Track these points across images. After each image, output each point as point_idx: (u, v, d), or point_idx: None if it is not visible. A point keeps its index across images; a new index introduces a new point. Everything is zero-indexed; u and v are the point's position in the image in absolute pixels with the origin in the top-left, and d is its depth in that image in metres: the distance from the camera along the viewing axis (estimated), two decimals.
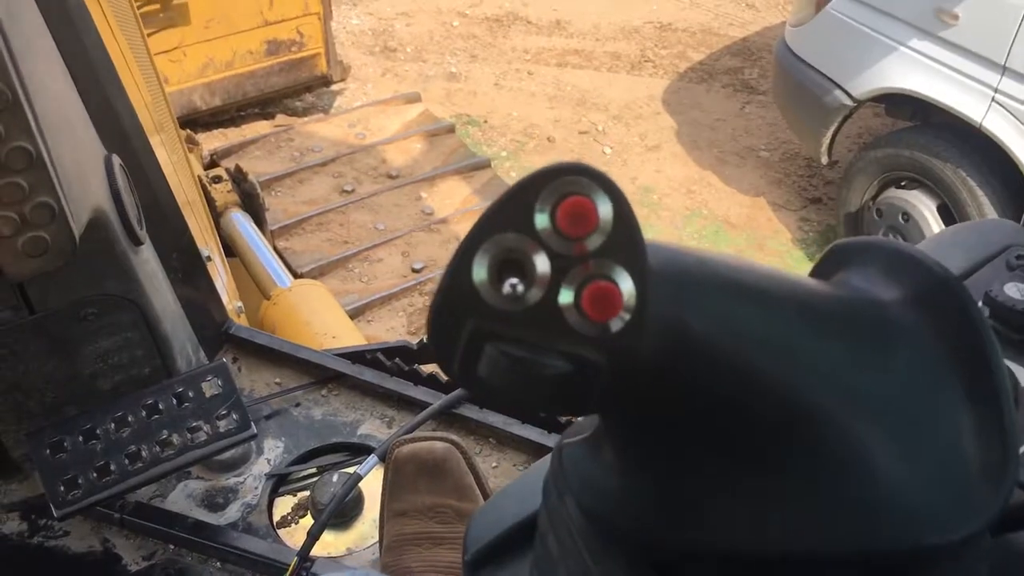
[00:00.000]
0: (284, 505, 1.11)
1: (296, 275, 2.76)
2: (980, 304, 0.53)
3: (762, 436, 0.36)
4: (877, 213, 3.46)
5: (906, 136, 3.38)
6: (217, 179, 2.68)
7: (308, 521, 1.07)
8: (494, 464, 1.13)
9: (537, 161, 4.15)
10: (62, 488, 0.92)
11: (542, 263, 0.32)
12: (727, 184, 4.14)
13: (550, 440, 1.12)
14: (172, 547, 1.03)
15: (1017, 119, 2.94)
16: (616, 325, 0.32)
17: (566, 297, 0.32)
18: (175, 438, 0.97)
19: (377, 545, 0.98)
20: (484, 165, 3.69)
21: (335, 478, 1.05)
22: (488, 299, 0.32)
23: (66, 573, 1.02)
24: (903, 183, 3.38)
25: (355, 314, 2.88)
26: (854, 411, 0.36)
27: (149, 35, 2.52)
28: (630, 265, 0.32)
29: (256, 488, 1.10)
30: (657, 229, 3.86)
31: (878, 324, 0.39)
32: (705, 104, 4.68)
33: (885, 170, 3.42)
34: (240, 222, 2.60)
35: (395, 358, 1.22)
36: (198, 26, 3.58)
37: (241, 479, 1.11)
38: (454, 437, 0.97)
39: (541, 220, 0.32)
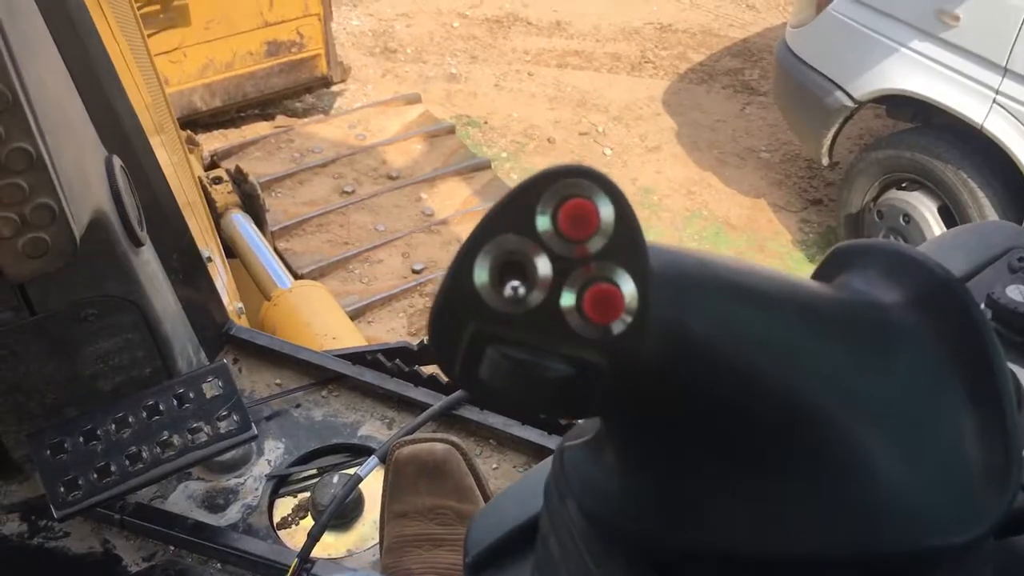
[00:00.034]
0: (284, 506, 1.10)
1: (296, 276, 2.76)
2: (982, 307, 0.53)
3: (763, 438, 0.36)
4: (878, 215, 3.45)
5: (907, 137, 3.38)
6: (217, 180, 2.68)
7: (308, 522, 1.07)
8: (494, 465, 1.13)
9: (537, 162, 4.15)
10: (62, 489, 0.92)
11: (543, 265, 0.32)
12: (727, 185, 4.14)
13: (550, 441, 1.12)
14: (172, 548, 1.03)
15: (1018, 120, 2.94)
16: (618, 328, 0.32)
17: (568, 299, 0.32)
18: (176, 439, 0.97)
19: (377, 546, 0.98)
20: (484, 166, 3.69)
21: (335, 479, 1.05)
22: (489, 301, 0.32)
23: (66, 574, 1.02)
24: (904, 184, 3.38)
25: (355, 315, 2.88)
26: (855, 413, 0.36)
27: (149, 36, 2.52)
28: (632, 267, 0.32)
29: (256, 489, 1.10)
30: (657, 230, 3.86)
31: (879, 326, 0.39)
32: (705, 105, 4.68)
33: (886, 171, 3.42)
34: (240, 223, 2.60)
35: (395, 359, 1.22)
36: (198, 27, 3.58)
37: (241, 480, 1.11)
38: (454, 438, 0.97)
39: (542, 222, 0.32)
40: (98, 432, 0.95)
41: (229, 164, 3.11)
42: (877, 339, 0.38)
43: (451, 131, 3.89)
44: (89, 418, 0.96)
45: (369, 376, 1.21)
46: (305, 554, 0.95)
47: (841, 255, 0.43)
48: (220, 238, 2.46)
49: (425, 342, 1.28)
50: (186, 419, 0.98)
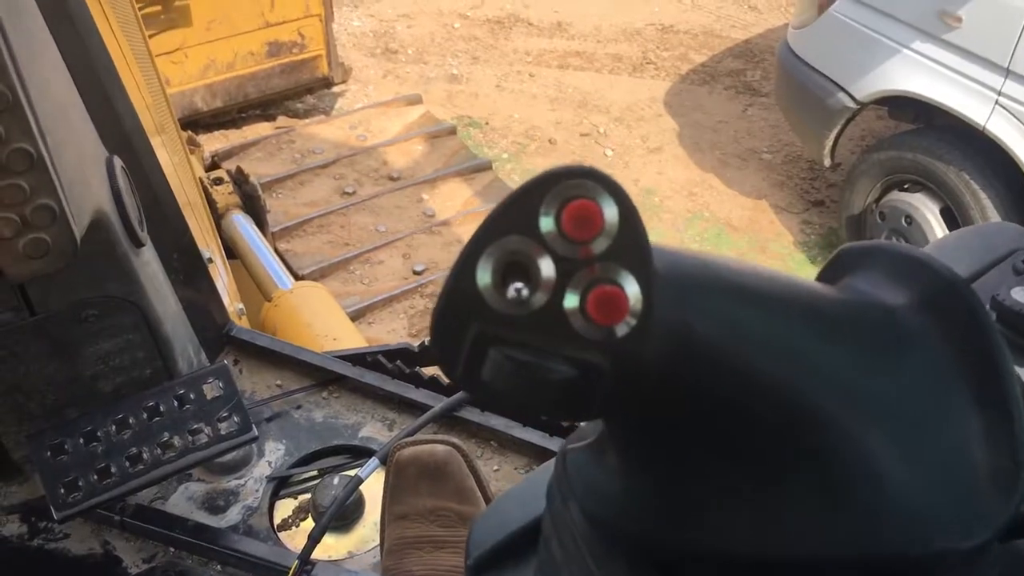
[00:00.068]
0: (285, 508, 1.10)
1: (297, 277, 2.76)
2: (987, 308, 0.53)
3: (765, 439, 0.36)
4: (880, 216, 3.45)
5: (909, 139, 3.38)
6: (218, 181, 2.68)
7: (309, 524, 1.07)
8: (495, 467, 1.13)
9: (539, 163, 4.16)
10: (62, 490, 0.92)
11: (547, 267, 0.31)
12: (729, 186, 4.14)
13: (552, 443, 1.12)
14: (172, 550, 1.03)
15: (1020, 122, 2.93)
16: (622, 330, 0.31)
17: (571, 301, 0.31)
18: (176, 440, 0.97)
19: (378, 548, 0.98)
20: (485, 167, 3.69)
21: (336, 481, 1.05)
22: (492, 303, 0.32)
23: None
24: (906, 186, 3.37)
25: (356, 316, 2.88)
26: (858, 414, 0.36)
27: (150, 36, 2.52)
28: (636, 269, 0.31)
29: (257, 491, 1.10)
30: (659, 232, 3.85)
31: (884, 327, 0.38)
32: (707, 106, 4.68)
33: (888, 173, 3.41)
34: (241, 224, 2.61)
35: (396, 360, 1.22)
36: (199, 28, 3.58)
37: (242, 481, 1.11)
38: (455, 440, 0.97)
39: (546, 223, 0.31)
40: (98, 433, 0.95)
41: (230, 165, 3.11)
42: (881, 340, 0.38)
43: (452, 132, 3.89)
44: (89, 419, 0.96)
45: (370, 377, 1.20)
46: (305, 556, 0.95)
47: (846, 257, 0.43)
48: (221, 239, 2.46)
49: (426, 343, 1.28)
50: (187, 420, 0.98)
